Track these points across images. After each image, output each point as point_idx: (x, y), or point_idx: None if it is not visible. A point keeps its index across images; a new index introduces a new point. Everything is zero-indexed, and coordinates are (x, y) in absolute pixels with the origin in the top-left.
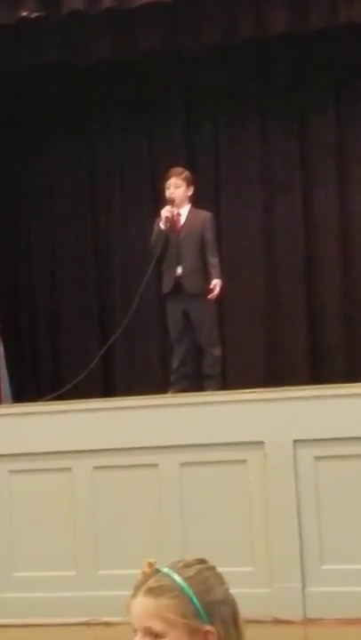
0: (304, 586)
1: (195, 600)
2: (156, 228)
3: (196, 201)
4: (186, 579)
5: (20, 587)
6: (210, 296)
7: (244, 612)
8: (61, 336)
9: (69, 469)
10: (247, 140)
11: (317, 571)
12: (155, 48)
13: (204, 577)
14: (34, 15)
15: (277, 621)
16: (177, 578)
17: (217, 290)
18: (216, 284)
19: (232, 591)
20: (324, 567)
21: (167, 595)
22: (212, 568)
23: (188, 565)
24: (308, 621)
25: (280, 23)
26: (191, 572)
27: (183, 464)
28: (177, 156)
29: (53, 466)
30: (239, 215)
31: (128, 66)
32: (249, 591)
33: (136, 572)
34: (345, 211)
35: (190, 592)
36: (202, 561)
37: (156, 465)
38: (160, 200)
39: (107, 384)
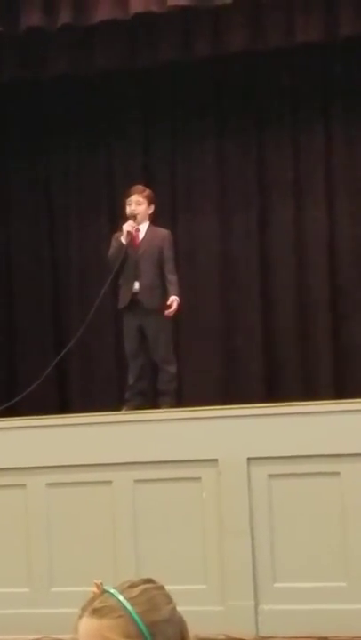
0: (257, 603)
1: (138, 620)
2: (114, 243)
3: (154, 217)
4: (130, 598)
5: None
6: (167, 312)
7: (197, 629)
8: (16, 349)
9: (23, 486)
10: (204, 157)
11: (270, 588)
12: (112, 64)
13: (150, 596)
14: None
15: (230, 639)
16: (121, 598)
17: (174, 306)
18: (173, 300)
19: (185, 609)
20: (276, 585)
21: (110, 615)
22: (160, 587)
23: (133, 585)
24: (260, 639)
25: (237, 42)
26: (136, 591)
27: (137, 481)
28: (134, 172)
29: (7, 482)
30: (196, 232)
31: (86, 82)
32: (202, 609)
33: (90, 590)
34: (301, 228)
35: (133, 612)
36: (149, 580)
37: (110, 482)
38: (117, 215)
39: (62, 401)
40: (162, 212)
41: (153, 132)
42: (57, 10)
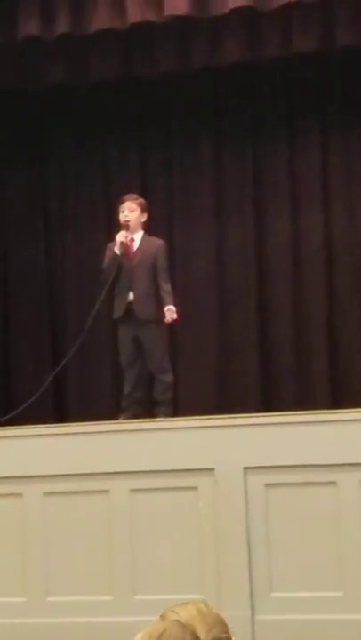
0: (253, 613)
1: None
2: (108, 253)
3: (149, 227)
4: None
5: None
6: (167, 319)
7: None
8: (13, 361)
9: (20, 495)
10: (201, 167)
11: (267, 598)
12: (109, 74)
13: None
14: None
15: None
16: None
17: (174, 315)
18: (170, 309)
19: None
20: (273, 595)
21: None
22: None
23: None
24: None
25: (234, 52)
26: None
27: (134, 490)
28: (131, 182)
29: (4, 491)
30: (192, 242)
31: (83, 91)
32: None
33: (85, 599)
34: (297, 238)
35: None
36: None
37: (106, 491)
38: (113, 226)
39: (58, 410)
40: (158, 222)
41: (150, 141)
42: (54, 19)
